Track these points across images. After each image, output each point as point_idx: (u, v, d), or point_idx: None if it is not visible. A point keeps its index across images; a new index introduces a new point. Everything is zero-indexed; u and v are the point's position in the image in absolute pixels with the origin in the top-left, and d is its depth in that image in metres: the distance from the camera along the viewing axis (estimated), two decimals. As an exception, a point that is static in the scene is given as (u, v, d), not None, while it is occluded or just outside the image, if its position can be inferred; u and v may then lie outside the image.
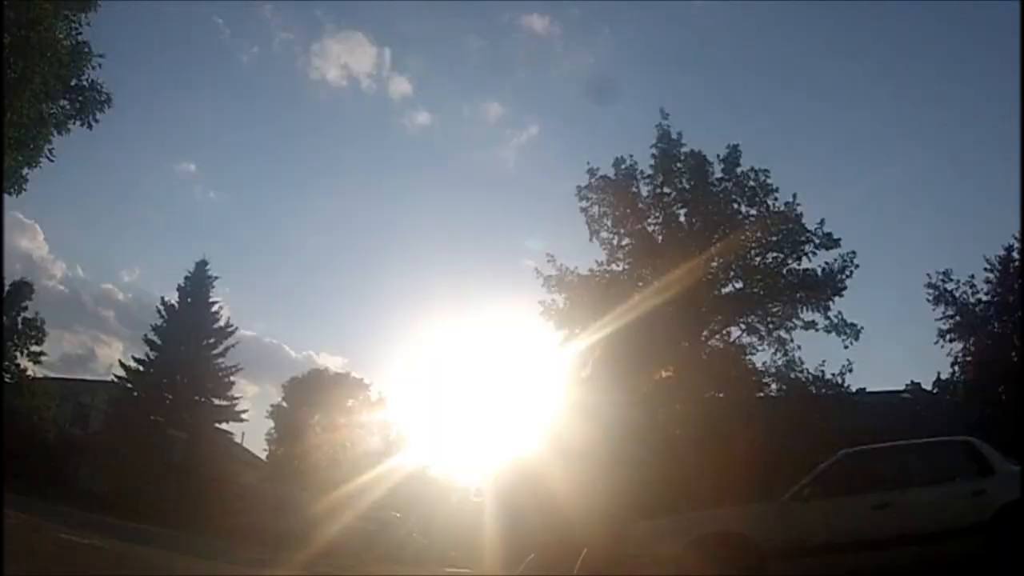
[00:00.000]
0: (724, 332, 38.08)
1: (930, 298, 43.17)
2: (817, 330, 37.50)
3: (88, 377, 74.19)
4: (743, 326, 37.74)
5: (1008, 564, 12.31)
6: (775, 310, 37.42)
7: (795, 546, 12.71)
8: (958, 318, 42.64)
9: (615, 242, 38.54)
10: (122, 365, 59.42)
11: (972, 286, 42.72)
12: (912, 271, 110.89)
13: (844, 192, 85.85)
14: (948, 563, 13.05)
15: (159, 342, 58.42)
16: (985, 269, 42.67)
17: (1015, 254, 41.83)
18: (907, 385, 45.54)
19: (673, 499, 26.03)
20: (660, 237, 37.66)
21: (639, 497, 26.62)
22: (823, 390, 36.59)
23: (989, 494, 13.08)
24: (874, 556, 12.83)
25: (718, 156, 38.34)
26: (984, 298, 42.57)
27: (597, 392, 34.09)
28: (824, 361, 37.51)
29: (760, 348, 37.98)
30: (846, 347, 37.59)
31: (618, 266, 38.27)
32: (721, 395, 36.30)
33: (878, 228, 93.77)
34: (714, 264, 36.10)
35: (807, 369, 37.54)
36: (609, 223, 38.28)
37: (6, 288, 48.10)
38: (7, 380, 48.64)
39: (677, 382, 33.52)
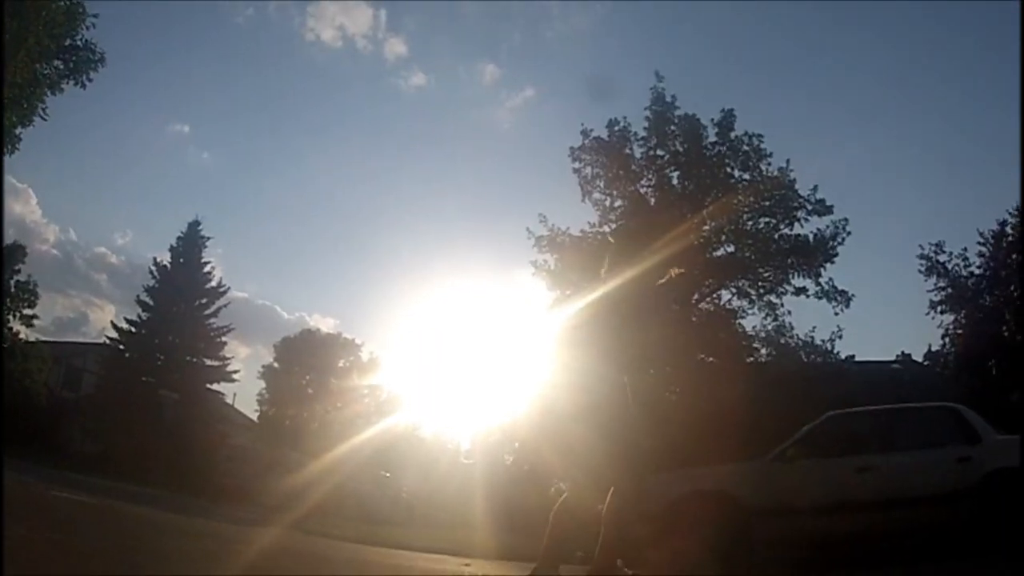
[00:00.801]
0: (715, 295, 38.34)
1: (922, 269, 43.41)
2: (808, 296, 37.82)
3: (80, 340, 74.07)
4: (734, 290, 38.09)
5: (994, 532, 12.30)
6: (766, 275, 37.69)
7: (778, 506, 12.71)
8: (950, 290, 42.93)
9: (607, 203, 38.83)
10: (114, 326, 59.67)
11: (965, 259, 43.00)
12: (905, 242, 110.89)
13: (839, 160, 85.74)
14: (932, 528, 13.07)
15: (151, 303, 58.41)
16: (978, 243, 42.95)
17: (1009, 229, 42.12)
18: (898, 356, 45.83)
19: (662, 460, 26.28)
20: (652, 199, 37.77)
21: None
22: (812, 356, 36.83)
23: (975, 461, 13.03)
24: (857, 519, 12.80)
25: (712, 120, 38.64)
26: (976, 271, 42.83)
27: (588, 354, 34.16)
28: (814, 327, 37.88)
29: (750, 312, 38.34)
30: (836, 314, 37.99)
31: (610, 227, 38.37)
32: (711, 359, 36.51)
33: (872, 198, 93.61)
34: (706, 227, 36.17)
35: (797, 335, 37.84)
36: (602, 184, 38.54)
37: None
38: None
39: (668, 345, 33.67)
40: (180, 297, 58.54)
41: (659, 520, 12.21)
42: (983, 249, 42.93)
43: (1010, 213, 42.70)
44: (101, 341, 61.01)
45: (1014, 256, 42.25)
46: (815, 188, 37.67)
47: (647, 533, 12.16)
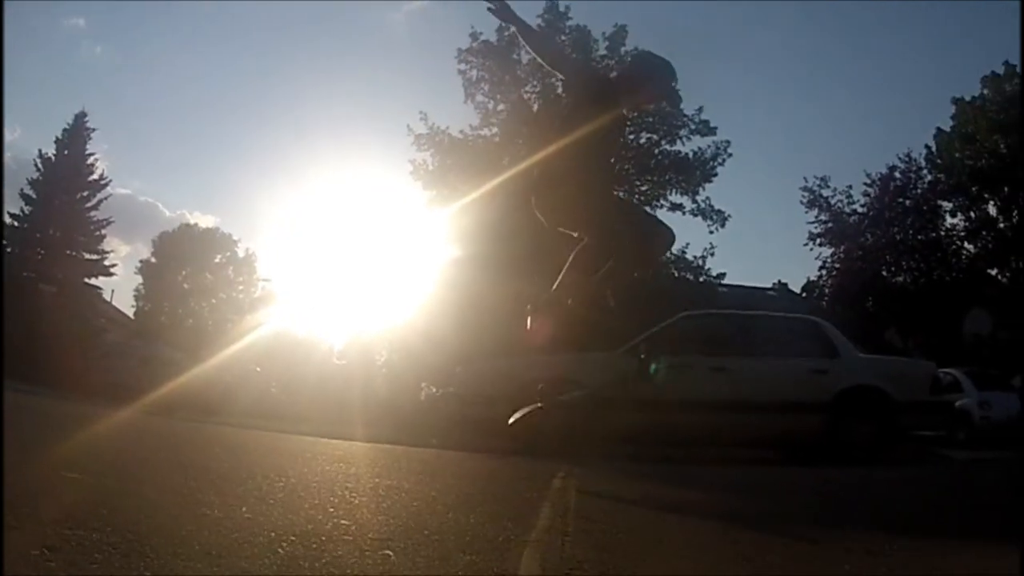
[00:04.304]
0: (589, 203, 38.54)
1: (804, 201, 44.52)
2: (684, 213, 38.13)
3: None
4: (609, 199, 38.27)
5: (844, 446, 12.56)
6: (643, 188, 37.96)
7: (627, 397, 12.73)
8: (831, 224, 44.08)
9: (490, 107, 38.75)
10: (-4, 220, 58.35)
11: (849, 196, 44.33)
12: (789, 174, 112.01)
13: (730, 86, 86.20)
14: (783, 435, 13.32)
15: (34, 196, 57.14)
16: (864, 183, 44.28)
17: (897, 174, 43.42)
18: (773, 284, 46.81)
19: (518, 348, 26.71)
20: (536, 106, 37.72)
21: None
22: (683, 272, 37.11)
23: (831, 375, 13.28)
24: (709, 418, 12.84)
25: (603, 34, 38.64)
26: (860, 210, 44.01)
27: (466, 257, 34.42)
28: (687, 244, 38.06)
29: (623, 222, 38.63)
30: (711, 232, 38.24)
31: (490, 131, 38.44)
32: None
33: (758, 128, 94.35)
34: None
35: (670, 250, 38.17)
36: (486, 88, 38.39)
37: None
38: None
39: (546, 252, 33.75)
40: (62, 189, 57.44)
41: (508, 404, 12.24)
42: (868, 190, 44.16)
43: (900, 159, 44.02)
44: (-17, 239, 59.65)
45: (899, 200, 43.51)
46: (700, 109, 37.90)
47: (497, 416, 12.26)
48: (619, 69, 7.73)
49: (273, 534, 3.37)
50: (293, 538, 3.33)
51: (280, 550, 3.13)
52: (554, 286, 7.61)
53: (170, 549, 2.96)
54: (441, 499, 4.74)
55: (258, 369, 42.38)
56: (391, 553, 3.21)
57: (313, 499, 4.33)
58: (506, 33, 38.39)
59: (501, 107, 38.64)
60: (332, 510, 4.02)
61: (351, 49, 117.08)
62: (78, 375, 40.34)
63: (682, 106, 37.47)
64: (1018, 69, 40.89)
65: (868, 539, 4.21)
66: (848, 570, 3.55)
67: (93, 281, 59.95)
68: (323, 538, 3.39)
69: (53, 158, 57.75)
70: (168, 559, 2.85)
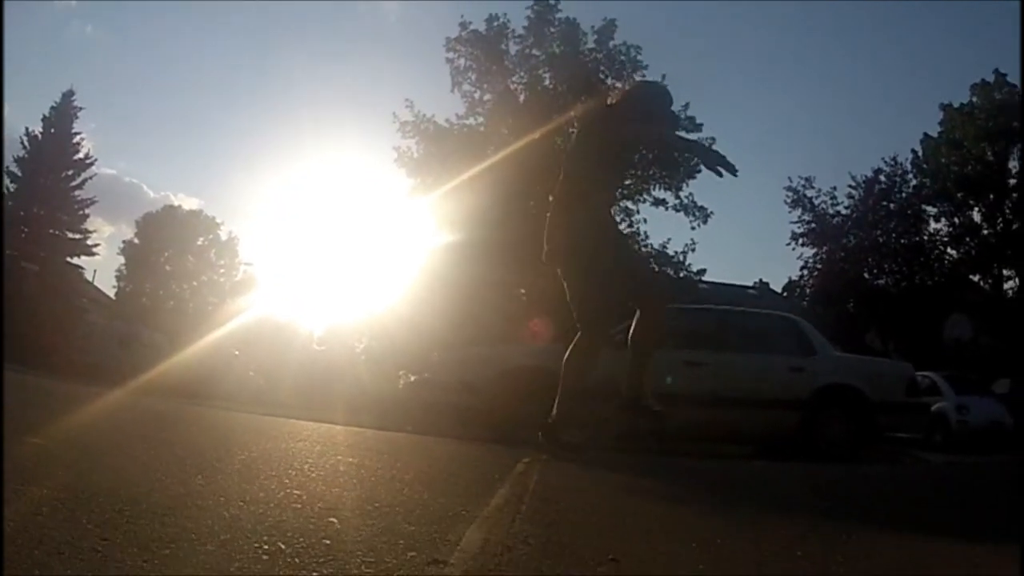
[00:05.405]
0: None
1: (788, 201, 44.71)
2: (667, 208, 38.39)
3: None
4: (591, 192, 38.34)
5: (820, 444, 12.57)
6: (626, 182, 37.94)
7: (602, 388, 12.70)
8: (814, 225, 44.27)
9: (476, 96, 39.13)
10: (-19, 199, 58.30)
11: (833, 197, 44.57)
12: (773, 174, 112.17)
13: (719, 86, 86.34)
14: (757, 431, 13.35)
15: (20, 174, 57.26)
16: (849, 185, 44.67)
17: (882, 177, 43.60)
18: (755, 283, 46.95)
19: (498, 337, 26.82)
20: (522, 96, 37.90)
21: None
22: (664, 266, 37.21)
23: (808, 372, 13.29)
24: (683, 412, 12.83)
25: (592, 27, 38.75)
26: (844, 211, 44.25)
27: (450, 246, 34.50)
28: (669, 239, 38.30)
29: (606, 216, 38.74)
30: (693, 228, 38.48)
31: (476, 120, 38.60)
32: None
33: (745, 128, 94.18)
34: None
35: (651, 244, 38.28)
36: (473, 77, 38.68)
37: None
38: None
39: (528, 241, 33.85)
40: (47, 168, 57.54)
41: (486, 391, 12.27)
42: (853, 192, 44.39)
43: (885, 162, 44.26)
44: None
45: (884, 203, 43.73)
46: (687, 105, 37.92)
47: (474, 403, 12.28)
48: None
49: (223, 499, 3.45)
50: (242, 503, 3.40)
51: (226, 513, 3.19)
52: (553, 412, 7.98)
53: (116, 507, 3.03)
54: (399, 477, 4.77)
55: (236, 353, 42.30)
56: (335, 520, 3.26)
57: (270, 471, 4.37)
58: (495, 23, 38.58)
59: (487, 97, 39.11)
60: (287, 481, 4.07)
61: (340, 35, 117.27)
62: (58, 354, 40.28)
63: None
64: (1017, 80, 41.20)
65: (830, 529, 4.23)
66: (800, 556, 3.56)
67: (75, 260, 60.19)
68: (271, 504, 3.45)
69: (39, 136, 58.05)
70: (112, 515, 2.92)
